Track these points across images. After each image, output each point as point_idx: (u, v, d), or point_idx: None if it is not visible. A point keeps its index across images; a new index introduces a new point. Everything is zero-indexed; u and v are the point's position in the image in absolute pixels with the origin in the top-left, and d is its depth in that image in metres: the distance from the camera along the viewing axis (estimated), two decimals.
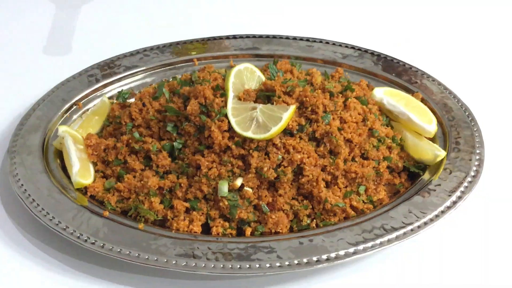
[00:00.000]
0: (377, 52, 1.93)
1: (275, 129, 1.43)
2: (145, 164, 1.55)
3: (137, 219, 1.45)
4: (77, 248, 1.38)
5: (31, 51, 2.22)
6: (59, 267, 1.39)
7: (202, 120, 1.48)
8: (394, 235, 1.36)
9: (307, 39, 1.99)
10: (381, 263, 1.41)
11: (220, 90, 1.54)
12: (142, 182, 1.49)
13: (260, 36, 2.02)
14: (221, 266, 1.30)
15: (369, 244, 1.34)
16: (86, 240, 1.36)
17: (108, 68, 1.89)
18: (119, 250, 1.33)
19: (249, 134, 1.44)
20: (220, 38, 2.01)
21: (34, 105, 1.75)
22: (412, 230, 1.37)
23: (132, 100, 1.74)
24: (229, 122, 1.45)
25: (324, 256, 1.31)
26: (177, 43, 2.00)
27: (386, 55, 1.91)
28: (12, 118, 1.83)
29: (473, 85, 1.97)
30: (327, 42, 1.98)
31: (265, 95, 1.53)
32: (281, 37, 2.01)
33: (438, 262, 1.41)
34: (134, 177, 1.52)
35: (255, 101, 1.53)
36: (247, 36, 2.02)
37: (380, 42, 2.07)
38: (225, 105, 1.48)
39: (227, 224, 1.44)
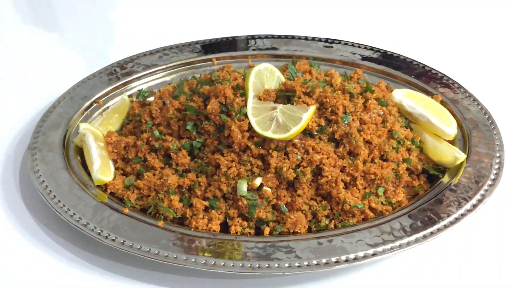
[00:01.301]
0: (396, 53, 1.92)
1: (295, 130, 1.43)
2: (165, 162, 1.55)
3: (156, 217, 1.46)
4: (98, 245, 1.38)
5: (52, 49, 2.24)
6: (80, 263, 1.40)
7: (222, 119, 1.48)
8: (413, 237, 1.35)
9: (326, 40, 1.99)
10: (400, 266, 1.39)
11: (240, 90, 1.54)
12: (161, 180, 1.49)
13: (279, 37, 2.02)
14: (240, 265, 1.30)
15: (389, 246, 1.33)
16: (107, 237, 1.36)
17: (128, 66, 1.90)
18: (139, 247, 1.34)
19: (268, 134, 1.43)
20: (238, 38, 2.01)
21: (55, 102, 1.76)
22: (431, 233, 1.36)
23: (152, 98, 1.75)
24: (249, 121, 1.46)
25: (343, 257, 1.31)
26: (196, 42, 2.00)
27: (406, 56, 1.90)
28: (33, 115, 1.84)
29: (493, 87, 1.96)
30: (346, 43, 1.97)
31: (285, 95, 1.53)
32: (299, 37, 2.01)
33: (458, 266, 1.40)
34: (154, 175, 1.53)
35: (275, 101, 1.52)
36: (266, 37, 2.02)
37: (399, 44, 2.06)
38: (245, 105, 1.48)
39: (245, 223, 1.44)
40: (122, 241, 1.35)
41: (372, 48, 1.95)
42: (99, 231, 1.38)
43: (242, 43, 2.00)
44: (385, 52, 1.93)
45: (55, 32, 2.32)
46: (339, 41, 1.98)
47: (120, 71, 1.87)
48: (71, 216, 1.42)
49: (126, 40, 2.24)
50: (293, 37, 2.01)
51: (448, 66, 1.90)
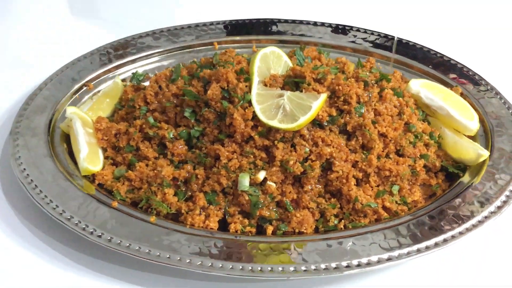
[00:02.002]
0: (412, 42, 1.80)
1: (304, 119, 1.31)
2: (159, 152, 1.43)
3: (148, 212, 1.34)
4: (82, 241, 1.27)
5: (41, 28, 2.10)
6: (61, 260, 1.29)
7: (224, 106, 1.36)
8: (432, 241, 1.24)
9: (336, 26, 1.86)
10: (418, 272, 1.29)
11: (244, 75, 1.41)
12: (155, 171, 1.37)
13: (286, 21, 1.89)
14: (240, 267, 1.18)
15: (405, 251, 1.22)
16: (92, 233, 1.24)
17: (122, 48, 1.77)
18: (128, 244, 1.22)
19: (274, 123, 1.32)
20: (243, 21, 1.88)
21: (41, 84, 1.64)
22: (453, 236, 1.25)
23: (147, 83, 1.62)
24: (253, 109, 1.34)
25: (355, 261, 1.20)
26: (197, 25, 1.87)
27: (422, 45, 1.79)
28: (18, 98, 1.72)
29: None
30: (358, 30, 1.85)
31: (293, 82, 1.41)
32: (308, 22, 1.88)
33: (480, 272, 1.29)
34: (147, 165, 1.41)
35: (282, 88, 1.41)
36: (272, 21, 1.89)
37: (416, 32, 1.93)
38: (249, 91, 1.37)
39: (246, 221, 1.33)
40: (109, 237, 1.23)
41: (386, 36, 1.82)
42: (84, 226, 1.26)
43: (246, 26, 1.86)
44: (400, 40, 1.80)
45: (44, 9, 2.17)
46: (351, 27, 1.86)
47: (113, 53, 1.75)
48: (54, 208, 1.30)
49: (121, 20, 2.10)
50: (301, 21, 1.89)
51: (468, 58, 1.77)
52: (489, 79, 1.66)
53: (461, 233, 1.26)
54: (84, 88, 1.65)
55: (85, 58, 1.73)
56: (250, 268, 1.18)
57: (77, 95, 1.63)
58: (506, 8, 2.26)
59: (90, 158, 1.40)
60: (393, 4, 2.27)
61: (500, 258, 1.32)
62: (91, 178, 1.41)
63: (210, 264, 1.19)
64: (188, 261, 1.19)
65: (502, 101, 1.59)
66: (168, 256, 1.20)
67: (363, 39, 1.82)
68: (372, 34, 1.83)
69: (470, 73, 1.68)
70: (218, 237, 1.26)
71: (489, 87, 1.63)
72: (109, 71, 1.71)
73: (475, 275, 1.28)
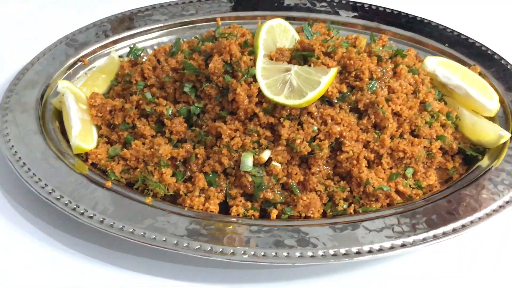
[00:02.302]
0: (427, 19, 1.70)
1: (312, 95, 1.23)
2: (157, 130, 1.35)
3: (145, 193, 1.26)
4: (73, 222, 1.20)
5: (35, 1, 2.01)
6: (51, 243, 1.21)
7: (226, 80, 1.28)
8: (450, 227, 1.16)
9: (347, 2, 1.76)
10: (434, 260, 1.20)
11: (249, 47, 1.33)
12: (152, 150, 1.29)
13: None
14: (242, 252, 1.10)
15: (421, 237, 1.14)
16: (83, 213, 1.17)
17: (120, 23, 1.68)
18: (121, 226, 1.14)
19: (280, 99, 1.24)
20: None
21: (33, 58, 1.55)
22: (472, 222, 1.17)
23: (146, 59, 1.53)
24: (258, 85, 1.25)
25: (366, 247, 1.12)
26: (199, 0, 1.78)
27: (438, 23, 1.68)
28: (9, 73, 1.62)
29: None
30: (370, 6, 1.74)
31: (301, 55, 1.33)
32: None
33: (499, 260, 1.20)
34: (143, 144, 1.33)
35: (289, 62, 1.33)
36: None
37: (431, 10, 1.83)
38: (254, 65, 1.29)
39: (249, 204, 1.25)
40: (101, 219, 1.16)
41: (399, 13, 1.72)
42: (74, 207, 1.18)
43: (250, 1, 1.77)
44: (414, 17, 1.70)
45: None
46: (362, 4, 1.75)
47: (110, 27, 1.66)
48: (42, 187, 1.22)
49: None
50: None
51: (487, 35, 1.67)
52: (509, 58, 1.56)
53: (480, 219, 1.17)
54: (79, 63, 1.57)
55: (81, 32, 1.65)
56: (252, 253, 1.10)
57: (71, 70, 1.55)
58: None
59: (83, 135, 1.32)
60: None
61: None
62: (84, 157, 1.33)
63: (209, 248, 1.10)
64: (186, 244, 1.10)
65: None
66: (164, 239, 1.11)
67: (375, 15, 1.72)
68: (385, 10, 1.73)
69: (489, 52, 1.58)
70: (219, 220, 1.17)
71: (509, 66, 1.53)
72: (106, 46, 1.62)
73: (494, 262, 1.20)
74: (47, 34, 1.70)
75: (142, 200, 1.21)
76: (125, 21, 1.68)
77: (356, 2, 1.77)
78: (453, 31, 1.66)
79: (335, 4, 1.77)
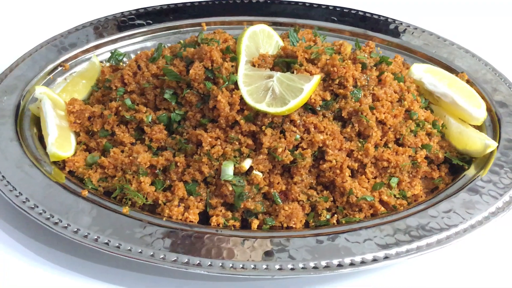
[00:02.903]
0: (414, 25, 1.68)
1: (295, 103, 1.21)
2: (136, 137, 1.33)
3: (123, 202, 1.23)
4: (47, 232, 1.16)
5: (17, 4, 1.98)
6: (24, 253, 1.18)
7: (207, 87, 1.26)
8: (434, 238, 1.14)
9: (334, 8, 1.74)
10: (417, 272, 1.18)
11: (231, 53, 1.30)
12: (130, 158, 1.27)
13: (281, 2, 1.77)
14: (220, 264, 1.08)
15: (404, 248, 1.12)
16: (57, 223, 1.14)
17: (103, 27, 1.64)
18: (95, 237, 1.11)
19: (262, 106, 1.22)
20: (234, 1, 1.76)
21: (12, 63, 1.52)
22: (456, 233, 1.15)
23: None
24: (240, 92, 1.23)
25: (348, 260, 1.09)
26: (184, 4, 1.75)
27: (425, 29, 1.67)
28: None
29: None
30: (357, 12, 1.72)
31: (284, 62, 1.30)
32: (304, 4, 1.76)
33: (485, 271, 1.18)
34: (122, 151, 1.30)
35: (271, 69, 1.31)
36: (265, 1, 1.77)
37: (418, 15, 1.81)
38: (236, 71, 1.26)
39: (229, 214, 1.23)
40: (75, 229, 1.12)
41: (386, 19, 1.70)
42: (48, 216, 1.15)
43: (237, 7, 1.74)
44: (400, 23, 1.69)
45: None
46: (349, 10, 1.73)
47: (92, 32, 1.63)
48: (16, 196, 1.19)
49: None
50: (296, 3, 1.76)
51: (475, 42, 1.65)
52: (497, 66, 1.54)
53: (465, 230, 1.15)
54: (60, 68, 1.54)
55: (62, 37, 1.62)
56: (230, 265, 1.07)
57: (51, 75, 1.52)
58: None
59: (60, 142, 1.29)
60: None
61: (508, 253, 1.21)
62: (61, 164, 1.30)
63: (186, 260, 1.07)
64: (161, 256, 1.08)
65: (511, 89, 1.47)
66: (140, 250, 1.08)
67: (362, 22, 1.69)
68: (372, 16, 1.71)
69: (476, 59, 1.57)
70: (198, 231, 1.15)
71: (496, 74, 1.52)
72: (88, 51, 1.59)
73: (480, 275, 1.17)
74: (28, 38, 1.66)
75: (119, 209, 1.18)
76: (108, 26, 1.65)
77: (343, 8, 1.74)
78: (439, 37, 1.64)
79: (323, 9, 1.75)
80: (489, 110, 1.41)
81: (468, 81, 1.48)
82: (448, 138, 1.37)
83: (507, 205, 1.19)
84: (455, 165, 1.33)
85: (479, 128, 1.38)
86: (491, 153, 1.31)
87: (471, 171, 1.30)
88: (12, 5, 1.96)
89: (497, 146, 1.32)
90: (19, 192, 1.18)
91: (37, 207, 1.16)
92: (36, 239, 1.19)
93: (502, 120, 1.38)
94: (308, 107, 1.25)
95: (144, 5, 1.73)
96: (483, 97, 1.43)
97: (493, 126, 1.39)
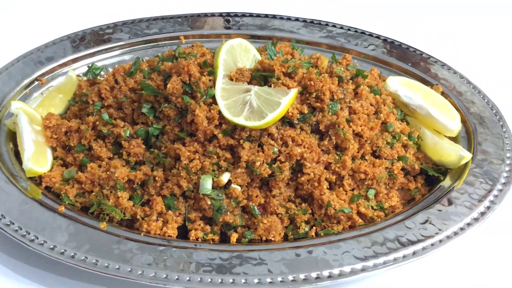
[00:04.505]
0: (390, 38, 1.71)
1: (272, 116, 1.21)
2: (114, 151, 1.32)
3: (100, 217, 1.22)
4: (23, 249, 1.15)
5: None
6: (2, 271, 1.15)
7: (185, 101, 1.26)
8: (411, 250, 1.15)
9: (311, 21, 1.76)
10: (394, 284, 1.18)
11: (208, 67, 1.30)
12: (108, 173, 1.26)
13: (258, 15, 1.79)
14: (198, 279, 1.08)
15: (381, 260, 1.12)
16: (33, 240, 1.12)
17: (80, 40, 1.64)
18: (72, 254, 1.10)
19: (240, 120, 1.22)
20: (212, 14, 1.76)
21: None
22: (432, 244, 1.16)
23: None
24: (217, 105, 1.23)
25: (326, 272, 1.10)
26: (162, 17, 1.75)
27: (401, 42, 1.70)
28: None
29: (500, 80, 1.75)
30: (334, 25, 1.75)
31: (261, 76, 1.31)
32: (281, 17, 1.78)
33: (462, 283, 1.19)
34: (100, 166, 1.29)
35: (249, 82, 1.31)
36: (243, 15, 1.78)
37: (394, 27, 1.84)
38: (213, 85, 1.26)
39: (208, 228, 1.22)
40: (51, 246, 1.11)
41: (363, 32, 1.73)
42: (24, 233, 1.13)
43: (215, 20, 1.75)
44: (377, 36, 1.71)
45: None
46: (326, 23, 1.75)
47: (70, 46, 1.62)
48: None
49: (80, 11, 1.96)
50: (274, 16, 1.78)
51: (448, 56, 1.68)
52: (472, 78, 1.57)
53: (441, 241, 1.16)
54: (36, 82, 1.53)
55: (39, 51, 1.60)
56: (209, 280, 1.06)
57: (27, 90, 1.50)
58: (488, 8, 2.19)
59: (36, 158, 1.27)
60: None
61: (484, 266, 1.22)
62: (38, 180, 1.29)
63: (164, 275, 1.06)
64: (140, 272, 1.07)
65: (485, 100, 1.51)
66: (117, 267, 1.07)
67: (339, 34, 1.72)
68: (349, 30, 1.73)
69: (451, 71, 1.59)
70: (176, 246, 1.14)
71: (471, 86, 1.55)
72: (65, 64, 1.58)
73: (455, 285, 1.17)
74: (4, 52, 1.64)
75: (96, 225, 1.17)
76: (86, 39, 1.65)
77: (320, 21, 1.76)
78: (416, 50, 1.67)
79: (305, 22, 1.77)
80: (463, 121, 1.44)
81: (443, 93, 1.51)
82: (423, 150, 1.38)
83: (482, 216, 1.21)
84: (431, 176, 1.34)
85: (454, 139, 1.40)
86: (466, 164, 1.33)
87: (446, 182, 1.32)
88: None
89: (472, 157, 1.34)
90: None
91: (13, 223, 1.14)
92: (12, 256, 1.17)
93: (476, 132, 1.41)
94: (286, 121, 1.26)
95: (121, 18, 1.73)
96: (457, 109, 1.46)
97: (468, 137, 1.41)
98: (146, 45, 1.68)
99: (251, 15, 1.78)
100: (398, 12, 2.11)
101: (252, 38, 1.71)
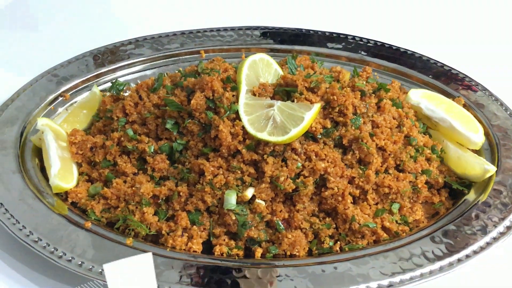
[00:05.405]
0: (410, 50, 1.70)
1: (295, 132, 1.22)
2: (139, 167, 1.33)
3: (126, 233, 1.23)
4: (51, 266, 1.15)
5: (17, 35, 1.98)
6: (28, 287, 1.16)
7: (209, 117, 1.26)
8: (437, 265, 1.14)
9: (330, 34, 1.76)
10: None
11: (231, 83, 1.31)
12: (133, 188, 1.27)
13: (278, 29, 1.79)
14: None
15: (407, 276, 1.12)
16: (61, 257, 1.13)
17: (103, 56, 1.66)
18: (100, 270, 1.10)
19: (264, 135, 1.22)
20: (232, 29, 1.78)
21: (13, 94, 1.53)
22: (459, 260, 1.15)
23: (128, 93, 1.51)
24: (240, 120, 1.24)
25: None
26: (182, 32, 1.77)
27: (421, 54, 1.69)
28: None
29: None
30: (353, 38, 1.75)
31: (284, 91, 1.31)
32: (300, 30, 1.78)
33: None
34: (125, 182, 1.30)
35: (272, 97, 1.31)
36: (261, 28, 1.78)
37: (415, 40, 1.83)
38: (237, 101, 1.27)
39: (233, 243, 1.22)
40: (79, 262, 1.12)
41: (382, 44, 1.73)
42: (52, 250, 1.14)
43: (234, 34, 1.76)
44: (397, 48, 1.71)
45: (23, 16, 2.06)
46: (345, 36, 1.75)
47: (92, 62, 1.64)
48: (20, 230, 1.18)
49: (102, 27, 1.99)
50: (294, 30, 1.78)
51: (471, 66, 1.67)
52: (494, 90, 1.56)
53: (468, 256, 1.15)
54: (60, 98, 1.54)
55: (62, 67, 1.62)
56: None
57: (52, 106, 1.52)
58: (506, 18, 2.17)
59: (62, 174, 1.29)
60: (391, 12, 2.17)
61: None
62: (64, 196, 1.30)
63: None
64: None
65: (508, 113, 1.50)
66: None
67: (359, 47, 1.72)
68: (369, 42, 1.73)
69: (473, 83, 1.58)
70: (201, 261, 1.15)
71: (493, 98, 1.54)
72: (88, 80, 1.60)
73: None
74: (28, 69, 1.66)
75: (122, 241, 1.18)
76: (108, 55, 1.67)
77: (340, 34, 1.77)
78: (436, 62, 1.66)
79: (324, 35, 1.77)
80: (486, 134, 1.43)
81: (464, 106, 1.50)
82: (447, 163, 1.38)
83: (508, 230, 1.20)
84: (455, 190, 1.33)
85: (477, 152, 1.39)
86: (491, 177, 1.32)
87: (471, 196, 1.31)
88: (12, 36, 1.97)
89: (496, 170, 1.33)
90: (23, 226, 1.18)
91: (41, 240, 1.15)
92: (39, 272, 1.18)
93: (500, 144, 1.40)
94: (309, 135, 1.26)
95: (142, 34, 1.75)
96: (480, 122, 1.45)
97: (491, 150, 1.40)
98: (167, 59, 1.69)
99: (266, 27, 1.79)
100: (417, 23, 2.10)
101: (272, 51, 1.72)
